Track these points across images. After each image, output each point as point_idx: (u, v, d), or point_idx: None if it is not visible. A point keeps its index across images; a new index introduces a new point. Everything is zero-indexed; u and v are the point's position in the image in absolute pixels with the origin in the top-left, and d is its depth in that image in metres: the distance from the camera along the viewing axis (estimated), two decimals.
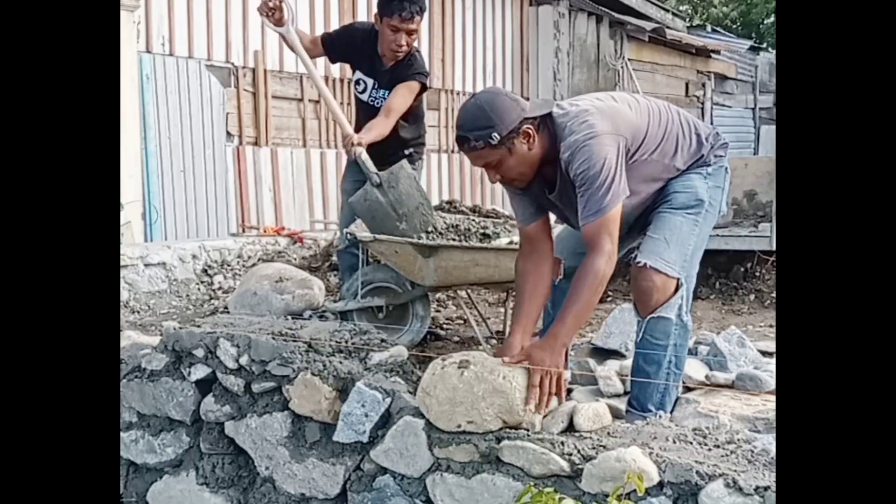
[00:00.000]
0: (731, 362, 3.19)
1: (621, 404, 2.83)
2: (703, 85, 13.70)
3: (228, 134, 7.27)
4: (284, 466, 2.83)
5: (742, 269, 5.46)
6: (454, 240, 4.02)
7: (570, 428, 2.45)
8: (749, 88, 16.06)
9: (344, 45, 4.11)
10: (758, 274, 5.42)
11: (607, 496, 2.17)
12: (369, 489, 2.65)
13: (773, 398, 2.78)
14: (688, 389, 2.95)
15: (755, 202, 5.75)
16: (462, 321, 4.61)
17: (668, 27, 12.24)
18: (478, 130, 2.53)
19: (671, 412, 2.73)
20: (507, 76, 10.18)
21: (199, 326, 3.18)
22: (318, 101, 7.87)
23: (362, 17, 8.17)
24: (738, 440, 2.30)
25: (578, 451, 2.30)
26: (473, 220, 4.34)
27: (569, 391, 2.99)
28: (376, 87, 4.03)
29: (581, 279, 2.52)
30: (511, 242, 4.02)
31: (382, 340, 3.02)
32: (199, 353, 3.02)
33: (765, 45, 18.93)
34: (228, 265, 5.70)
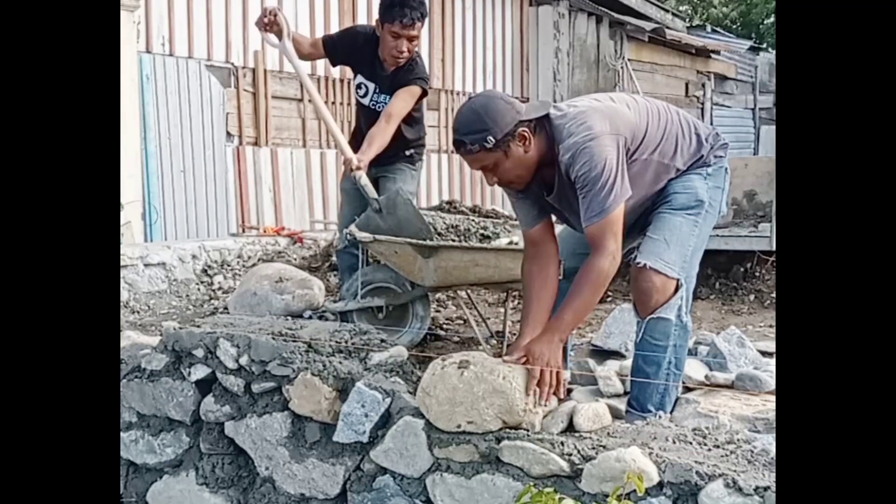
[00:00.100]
0: (730, 362, 3.19)
1: (621, 404, 2.83)
2: (703, 85, 13.70)
3: (228, 134, 7.27)
4: (284, 466, 2.83)
5: (742, 269, 5.46)
6: (454, 240, 4.02)
7: (570, 428, 2.45)
8: (749, 88, 16.06)
9: (346, 48, 4.13)
10: (758, 274, 5.42)
11: (607, 496, 2.17)
12: (369, 489, 2.65)
13: (773, 398, 2.78)
14: (688, 389, 2.95)
15: (755, 202, 5.75)
16: (462, 321, 4.60)
17: (667, 27, 12.23)
18: (473, 134, 2.55)
19: (671, 412, 2.73)
20: (507, 76, 10.18)
21: (199, 326, 3.18)
22: None
23: (362, 17, 8.18)
24: (738, 440, 2.30)
25: (578, 452, 2.30)
26: (473, 220, 4.34)
27: (569, 391, 2.99)
28: (377, 91, 4.05)
29: (584, 278, 2.53)
30: (511, 242, 4.02)
31: (382, 340, 3.02)
32: (199, 353, 3.02)
33: (765, 45, 18.92)
34: (228, 265, 5.70)
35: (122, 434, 3.18)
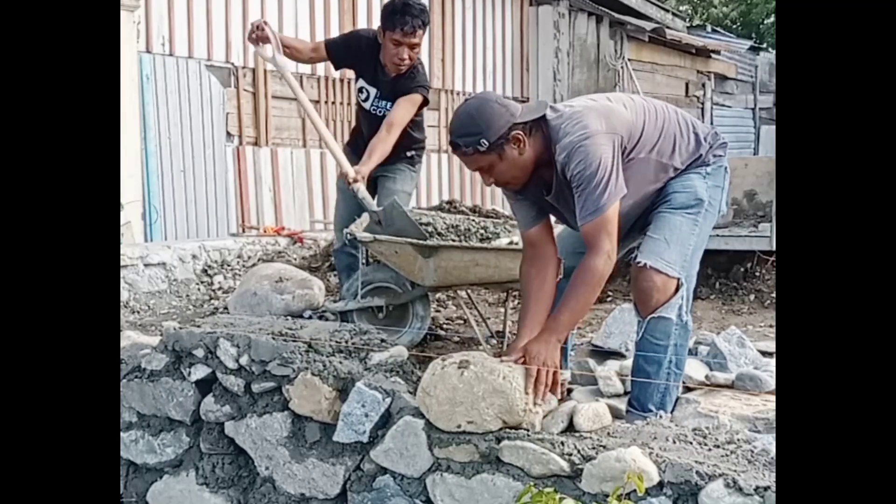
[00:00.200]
0: (731, 362, 3.20)
1: (621, 404, 2.83)
2: (703, 85, 13.70)
3: (228, 134, 7.27)
4: (284, 466, 2.83)
5: (742, 269, 5.45)
6: (454, 240, 4.02)
7: (570, 428, 2.46)
8: (749, 88, 16.06)
9: (348, 52, 4.16)
10: (758, 274, 5.42)
11: (607, 496, 2.17)
12: (369, 489, 2.65)
13: (773, 398, 2.78)
14: (688, 389, 2.95)
15: (755, 202, 5.75)
16: (462, 321, 4.60)
17: (668, 27, 12.24)
18: (467, 137, 2.57)
19: (671, 412, 2.73)
20: (507, 76, 10.18)
21: (199, 326, 3.18)
22: (317, 101, 7.87)
23: (362, 17, 8.18)
24: (738, 440, 2.30)
25: (578, 451, 2.30)
26: (473, 220, 4.34)
27: (569, 391, 3.00)
28: (378, 96, 4.08)
29: (579, 277, 2.54)
30: (511, 242, 4.02)
31: (382, 340, 3.01)
32: (199, 353, 3.02)
33: (765, 45, 18.92)
34: (228, 265, 5.70)
35: (122, 434, 3.18)
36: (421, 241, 3.68)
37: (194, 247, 5.63)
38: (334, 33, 7.52)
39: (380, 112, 4.07)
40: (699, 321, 4.46)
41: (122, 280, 4.97)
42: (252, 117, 7.42)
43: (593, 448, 2.30)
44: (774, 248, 5.05)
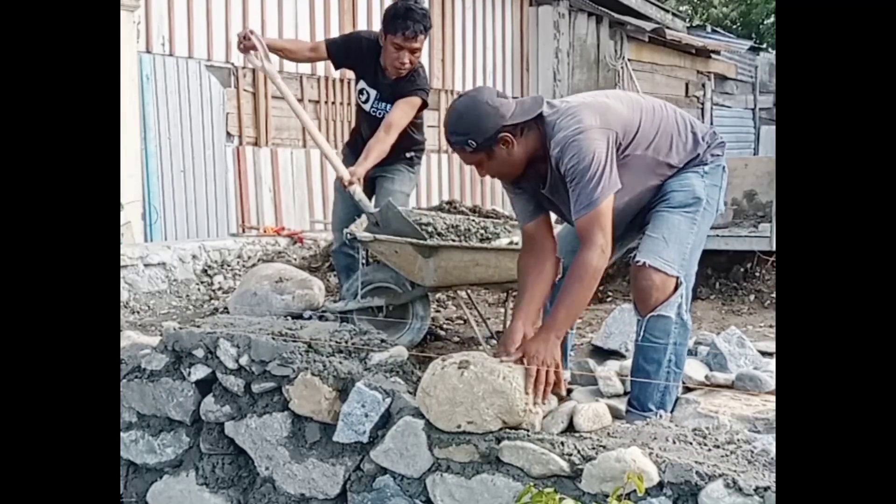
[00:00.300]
0: (731, 362, 3.20)
1: (621, 404, 2.83)
2: (703, 85, 13.70)
3: (228, 134, 7.27)
4: (284, 467, 2.83)
5: (742, 270, 5.45)
6: (454, 240, 4.02)
7: (570, 428, 2.45)
8: (749, 89, 16.06)
9: (349, 53, 4.16)
10: (758, 274, 5.41)
11: (607, 496, 2.17)
12: (369, 489, 2.65)
13: (773, 398, 2.78)
14: (688, 389, 2.95)
15: (755, 202, 5.74)
16: (462, 321, 4.61)
17: (668, 27, 12.23)
18: (456, 135, 2.63)
19: (671, 412, 2.73)
20: (507, 76, 10.18)
21: (199, 326, 3.18)
22: (317, 101, 7.88)
23: (362, 16, 8.19)
24: (738, 440, 2.30)
25: (578, 452, 2.30)
26: (473, 220, 4.34)
27: (569, 391, 2.99)
28: (378, 98, 4.09)
29: (573, 273, 2.55)
30: (511, 243, 4.02)
31: (382, 340, 3.01)
32: (199, 353, 3.02)
33: (765, 45, 18.92)
34: (228, 265, 5.70)
35: (122, 434, 3.18)
36: (421, 241, 3.68)
37: (194, 247, 5.63)
38: (334, 33, 7.52)
39: (379, 114, 4.08)
40: (699, 321, 4.46)
41: (122, 280, 4.97)
42: (252, 117, 7.42)
43: (593, 448, 2.30)
44: (774, 249, 5.05)
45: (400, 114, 3.98)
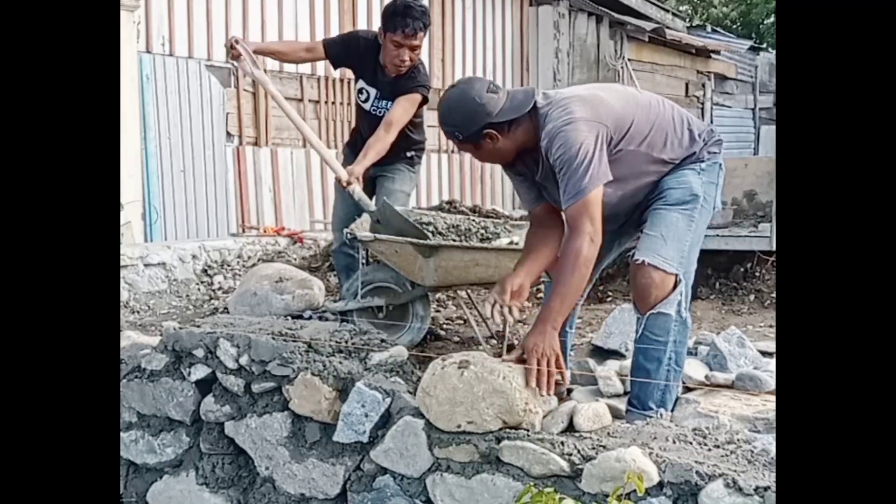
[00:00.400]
0: (731, 362, 3.20)
1: (621, 404, 2.83)
2: (703, 85, 13.69)
3: (228, 134, 7.27)
4: (284, 466, 2.83)
5: (742, 270, 5.45)
6: (454, 240, 4.02)
7: (570, 428, 2.45)
8: (749, 88, 16.05)
9: (347, 52, 4.16)
10: (758, 274, 5.41)
11: (607, 496, 2.17)
12: (369, 489, 2.65)
13: (773, 398, 2.78)
14: (688, 389, 2.95)
15: (755, 202, 5.74)
16: (462, 321, 4.61)
17: (668, 27, 12.23)
18: (446, 126, 2.72)
19: (672, 411, 2.73)
20: (507, 76, 10.18)
21: (199, 326, 3.18)
22: (317, 102, 7.88)
23: (362, 16, 8.19)
24: (738, 440, 2.30)
25: (578, 452, 2.30)
26: (473, 220, 4.34)
27: (569, 391, 3.00)
28: (378, 97, 4.09)
29: (562, 261, 2.56)
30: (511, 243, 4.02)
31: (382, 340, 3.02)
32: (199, 353, 3.02)
33: (765, 45, 18.91)
34: (228, 265, 5.70)
35: (122, 434, 3.18)
36: (421, 241, 3.68)
37: (194, 247, 5.63)
38: (334, 33, 7.52)
39: (379, 112, 4.07)
40: (699, 321, 4.46)
41: (122, 280, 4.97)
42: (252, 117, 7.42)
43: (593, 448, 2.30)
44: (774, 248, 5.05)
45: (400, 111, 3.97)
